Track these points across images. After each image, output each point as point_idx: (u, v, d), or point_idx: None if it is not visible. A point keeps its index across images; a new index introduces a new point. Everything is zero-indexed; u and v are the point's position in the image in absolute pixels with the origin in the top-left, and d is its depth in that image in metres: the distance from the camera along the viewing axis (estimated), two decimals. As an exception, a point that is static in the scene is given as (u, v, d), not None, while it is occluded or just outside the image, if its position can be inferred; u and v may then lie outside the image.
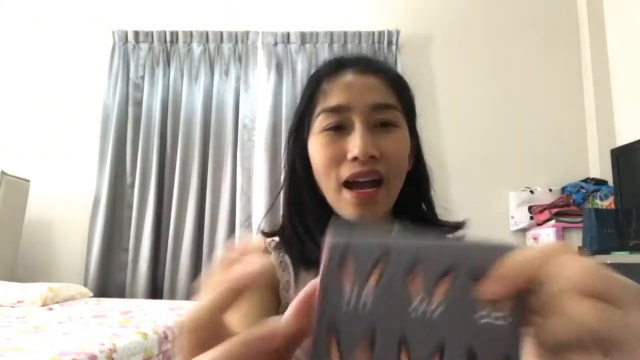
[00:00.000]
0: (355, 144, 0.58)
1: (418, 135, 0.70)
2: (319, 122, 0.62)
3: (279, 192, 0.70)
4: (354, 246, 0.24)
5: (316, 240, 0.63)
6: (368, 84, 0.62)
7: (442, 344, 0.24)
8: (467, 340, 0.24)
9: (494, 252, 0.24)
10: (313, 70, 0.70)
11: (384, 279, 0.24)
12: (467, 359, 0.24)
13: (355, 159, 0.58)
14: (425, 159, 0.71)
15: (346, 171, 0.59)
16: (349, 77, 0.62)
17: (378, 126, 0.61)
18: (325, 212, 0.65)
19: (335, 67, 0.65)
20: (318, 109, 0.63)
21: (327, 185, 0.62)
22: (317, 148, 0.62)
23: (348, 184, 0.60)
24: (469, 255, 0.24)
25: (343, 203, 0.61)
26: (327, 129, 0.61)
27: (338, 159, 0.60)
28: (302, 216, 0.66)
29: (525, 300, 0.24)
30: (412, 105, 0.68)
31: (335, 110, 0.60)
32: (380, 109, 0.61)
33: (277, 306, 0.65)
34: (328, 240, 0.25)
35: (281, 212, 0.69)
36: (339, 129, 0.60)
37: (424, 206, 0.70)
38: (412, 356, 0.24)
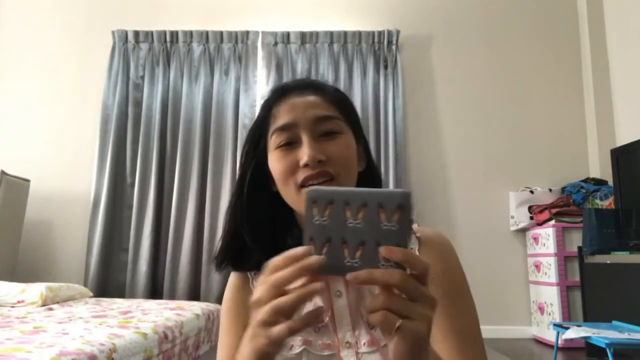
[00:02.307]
0: (304, 152, 0.68)
1: (365, 139, 0.80)
2: (273, 141, 0.72)
3: (233, 205, 0.78)
4: (317, 193, 0.49)
5: (270, 243, 0.74)
6: (309, 102, 0.72)
7: (363, 240, 0.47)
8: (376, 237, 0.47)
9: (389, 193, 0.47)
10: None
11: (333, 209, 0.48)
12: (376, 247, 0.47)
13: (306, 165, 0.68)
14: (373, 160, 0.81)
15: (300, 176, 0.69)
16: (292, 99, 0.73)
17: (323, 135, 0.71)
18: (277, 219, 0.76)
19: (281, 93, 0.75)
20: (271, 130, 0.73)
21: (287, 191, 0.72)
22: (274, 163, 0.72)
23: (304, 187, 0.70)
24: (376, 195, 0.47)
25: (302, 201, 0.70)
26: (280, 146, 0.71)
27: (293, 168, 0.70)
28: (256, 225, 0.76)
29: (408, 220, 0.47)
30: (353, 113, 0.78)
31: (284, 128, 0.71)
32: (322, 120, 0.71)
33: None
34: (305, 191, 0.49)
35: (226, 225, 0.79)
36: (290, 144, 0.71)
37: None
38: (349, 248, 0.48)
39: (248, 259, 0.75)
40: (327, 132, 0.71)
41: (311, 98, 0.73)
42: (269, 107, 0.75)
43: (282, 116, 0.72)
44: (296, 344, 0.69)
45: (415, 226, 0.74)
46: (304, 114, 0.71)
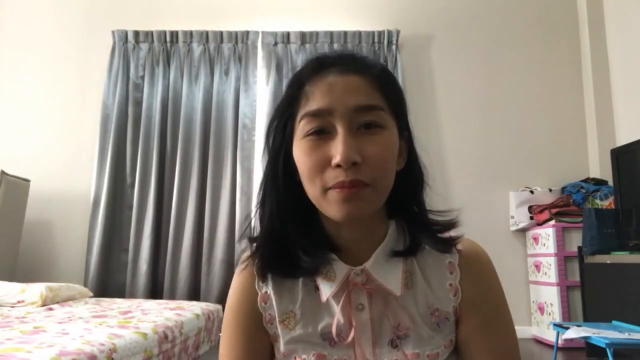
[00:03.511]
0: (337, 150, 0.57)
1: (411, 131, 0.68)
2: (302, 127, 0.61)
3: (260, 197, 0.69)
4: None
5: (298, 247, 0.65)
6: (350, 85, 0.60)
7: None
8: None
9: None
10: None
11: None
12: None
13: (338, 165, 0.58)
14: (418, 157, 0.70)
15: (330, 179, 0.59)
16: (330, 78, 0.61)
17: (362, 128, 0.60)
18: (307, 215, 0.67)
19: (317, 67, 0.63)
20: (301, 112, 0.62)
21: (313, 190, 0.62)
22: (301, 154, 0.61)
23: (332, 188, 0.60)
24: None
25: (328, 203, 0.61)
26: (309, 134, 0.60)
27: (322, 165, 0.59)
28: (284, 222, 0.66)
29: None
30: (400, 101, 0.66)
31: (317, 114, 0.60)
32: (363, 110, 0.60)
33: (260, 318, 0.68)
34: None
35: (257, 218, 0.69)
36: (322, 133, 0.60)
37: (416, 207, 0.71)
38: None
39: (280, 265, 0.66)
40: (366, 124, 0.60)
41: (353, 80, 0.61)
42: (301, 84, 0.63)
43: (316, 98, 0.60)
44: (309, 358, 0.64)
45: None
46: (343, 100, 0.59)
